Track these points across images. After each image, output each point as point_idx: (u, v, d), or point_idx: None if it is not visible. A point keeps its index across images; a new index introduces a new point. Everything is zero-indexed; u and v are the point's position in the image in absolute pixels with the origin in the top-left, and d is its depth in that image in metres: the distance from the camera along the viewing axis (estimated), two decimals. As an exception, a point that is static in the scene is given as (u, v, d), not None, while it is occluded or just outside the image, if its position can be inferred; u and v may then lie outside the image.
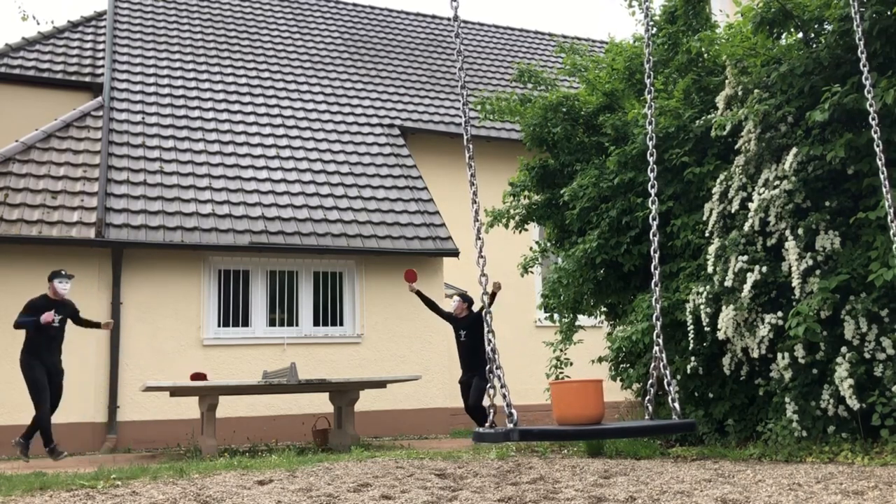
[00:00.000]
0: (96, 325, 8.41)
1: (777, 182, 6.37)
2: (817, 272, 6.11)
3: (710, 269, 6.66)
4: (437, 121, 14.08)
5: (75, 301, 9.83)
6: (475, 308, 8.83)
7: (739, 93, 6.94)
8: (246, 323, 10.83)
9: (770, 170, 6.51)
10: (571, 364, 8.39)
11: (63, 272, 8.16)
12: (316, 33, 16.08)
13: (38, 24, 9.34)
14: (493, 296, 8.58)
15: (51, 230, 9.70)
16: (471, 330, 8.55)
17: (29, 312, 7.89)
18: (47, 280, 8.17)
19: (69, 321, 8.22)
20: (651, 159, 3.76)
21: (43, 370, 7.87)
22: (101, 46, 13.60)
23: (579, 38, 18.70)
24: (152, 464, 6.68)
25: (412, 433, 10.90)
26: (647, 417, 3.29)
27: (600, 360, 8.17)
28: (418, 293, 8.80)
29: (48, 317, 7.76)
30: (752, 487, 4.67)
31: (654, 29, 8.47)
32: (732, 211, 6.75)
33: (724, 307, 6.42)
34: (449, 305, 9.54)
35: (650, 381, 3.34)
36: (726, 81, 7.12)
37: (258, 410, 10.48)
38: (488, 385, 2.80)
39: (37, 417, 7.87)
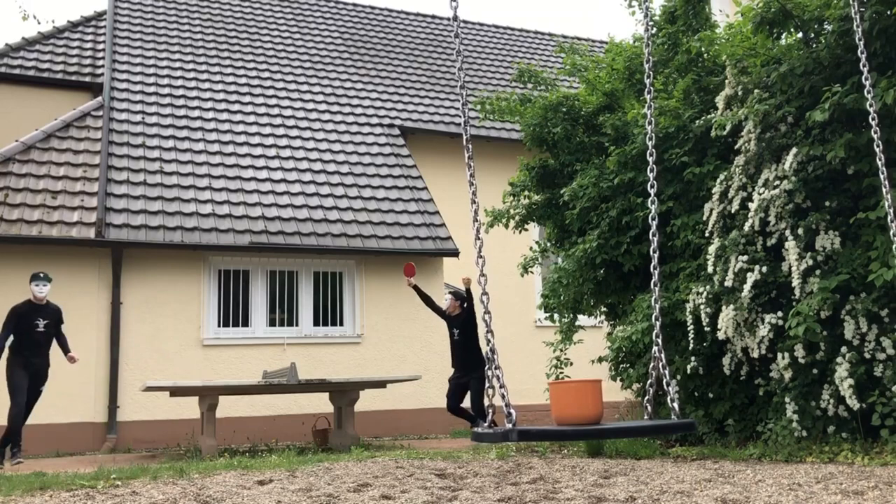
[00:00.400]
0: (65, 350, 8.05)
1: (777, 182, 6.37)
2: (817, 272, 6.10)
3: (710, 269, 6.66)
4: (437, 121, 14.08)
5: (76, 301, 9.85)
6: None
7: (739, 93, 6.94)
8: (246, 323, 10.83)
9: (770, 170, 6.50)
10: (571, 364, 8.39)
11: (41, 275, 7.99)
12: (316, 33, 16.09)
13: (39, 23, 9.32)
14: (468, 293, 8.54)
15: (51, 230, 9.70)
16: (463, 328, 8.51)
17: (12, 319, 7.79)
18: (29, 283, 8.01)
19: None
20: (651, 159, 3.76)
21: (24, 373, 7.77)
22: (101, 46, 13.61)
23: (579, 38, 18.70)
24: (152, 464, 6.68)
25: (412, 433, 10.90)
26: (646, 417, 3.29)
27: (600, 360, 8.16)
28: (416, 288, 8.76)
29: None
30: (752, 487, 4.67)
31: (654, 29, 8.47)
32: (732, 211, 6.75)
33: (724, 307, 6.42)
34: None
35: (649, 381, 3.34)
36: (726, 81, 7.12)
37: (258, 410, 10.48)
38: (487, 385, 2.79)
39: (10, 419, 7.74)
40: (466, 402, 8.64)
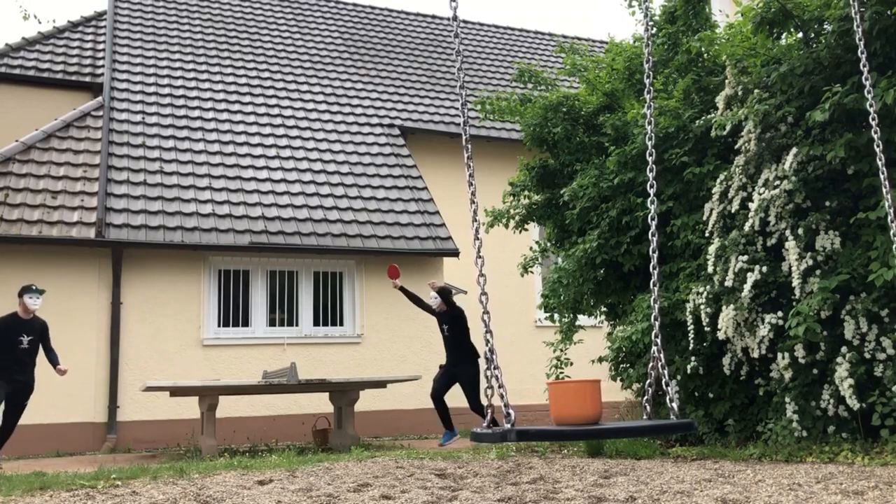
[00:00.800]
0: (54, 363, 7.83)
1: (777, 182, 6.37)
2: (817, 272, 6.10)
3: (710, 269, 6.65)
4: (437, 121, 14.08)
5: (76, 301, 9.85)
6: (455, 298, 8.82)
7: (739, 93, 6.93)
8: (246, 323, 10.83)
9: (770, 170, 6.50)
10: (571, 364, 8.39)
11: (33, 287, 7.79)
12: (316, 33, 16.09)
13: (40, 23, 9.36)
14: (441, 292, 8.57)
15: (51, 230, 9.70)
16: (453, 323, 8.59)
17: None
18: (17, 296, 7.82)
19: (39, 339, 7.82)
20: (650, 159, 3.76)
21: (2, 385, 7.57)
22: (101, 46, 13.61)
23: (579, 38, 18.70)
24: (152, 464, 6.68)
25: (412, 433, 10.91)
26: (645, 417, 3.29)
27: (600, 360, 8.16)
28: (402, 289, 8.78)
29: None
30: (752, 487, 4.67)
31: (654, 29, 8.46)
32: (732, 211, 6.74)
33: (724, 307, 6.42)
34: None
35: (648, 381, 3.34)
36: (726, 81, 7.11)
37: (258, 410, 10.48)
38: (486, 385, 2.79)
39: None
40: (456, 403, 8.66)
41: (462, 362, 8.48)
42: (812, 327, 5.86)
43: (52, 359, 7.89)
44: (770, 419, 6.52)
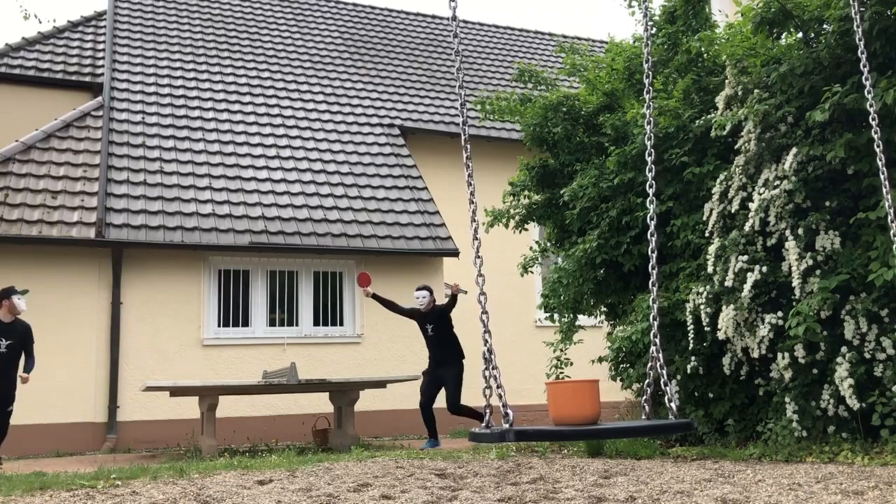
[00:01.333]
0: (27, 368, 7.45)
1: (777, 182, 6.36)
2: (817, 272, 6.10)
3: (710, 269, 6.65)
4: (437, 121, 14.08)
5: (76, 301, 9.84)
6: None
7: (739, 93, 6.93)
8: (246, 323, 10.83)
9: (770, 170, 6.50)
10: (571, 364, 8.39)
11: (17, 288, 7.52)
12: (316, 33, 16.09)
13: (41, 22, 9.40)
14: (453, 297, 8.57)
15: (51, 230, 9.70)
16: (439, 322, 8.57)
17: None
18: None
19: (22, 344, 7.51)
20: (650, 159, 3.76)
21: None
22: (101, 46, 13.61)
23: (579, 38, 18.70)
24: (152, 464, 6.68)
25: (412, 433, 10.90)
26: (644, 417, 3.29)
27: (600, 360, 8.16)
28: (374, 296, 8.71)
29: None
30: (752, 487, 4.67)
31: (654, 29, 8.46)
32: (732, 211, 6.74)
33: (724, 307, 6.42)
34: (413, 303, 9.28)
35: (647, 381, 3.34)
36: (726, 81, 7.11)
37: (258, 410, 10.48)
38: (484, 386, 2.79)
39: None
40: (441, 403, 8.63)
41: (448, 361, 8.45)
42: (812, 327, 5.85)
43: (28, 365, 7.50)
44: (770, 419, 6.51)
